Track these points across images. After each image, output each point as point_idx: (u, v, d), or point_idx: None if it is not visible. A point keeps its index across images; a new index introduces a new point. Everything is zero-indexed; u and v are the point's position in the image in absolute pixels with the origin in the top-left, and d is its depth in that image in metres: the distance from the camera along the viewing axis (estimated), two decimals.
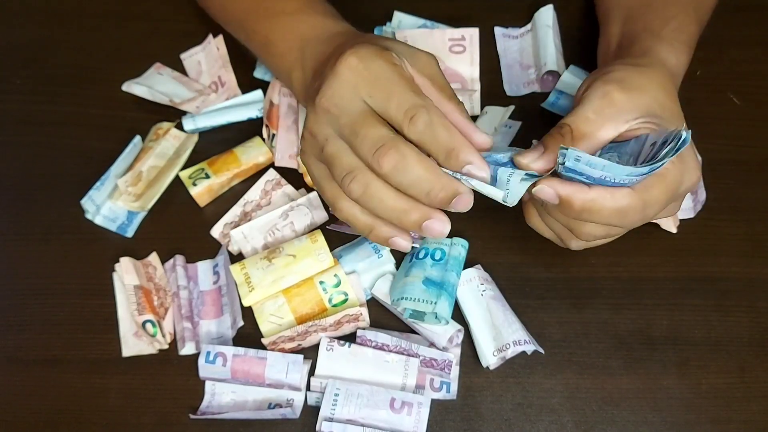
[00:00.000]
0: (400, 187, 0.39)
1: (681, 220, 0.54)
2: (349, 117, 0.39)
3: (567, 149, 0.38)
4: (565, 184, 0.40)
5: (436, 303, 0.47)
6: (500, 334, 0.48)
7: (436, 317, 0.48)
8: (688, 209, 0.53)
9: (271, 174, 0.55)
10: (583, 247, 0.47)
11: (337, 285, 0.50)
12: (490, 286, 0.51)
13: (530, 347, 0.48)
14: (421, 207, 0.40)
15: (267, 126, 0.56)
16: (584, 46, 0.60)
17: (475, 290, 0.50)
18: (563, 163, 0.39)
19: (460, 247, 0.51)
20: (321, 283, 0.50)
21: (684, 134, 0.38)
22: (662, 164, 0.38)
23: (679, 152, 0.38)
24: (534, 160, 0.41)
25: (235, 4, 0.54)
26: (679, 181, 0.42)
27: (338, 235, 0.53)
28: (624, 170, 0.38)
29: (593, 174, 0.39)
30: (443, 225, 0.40)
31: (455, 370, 0.49)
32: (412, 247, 0.46)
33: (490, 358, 0.48)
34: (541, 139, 0.43)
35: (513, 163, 0.41)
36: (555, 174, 0.41)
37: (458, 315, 0.50)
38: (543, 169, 0.41)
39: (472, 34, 0.57)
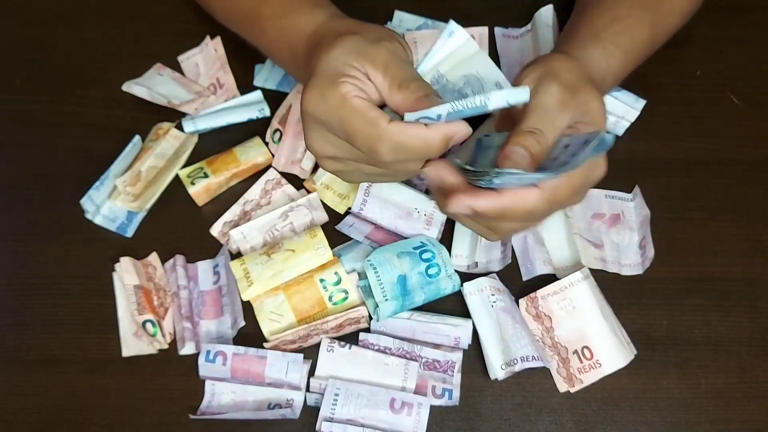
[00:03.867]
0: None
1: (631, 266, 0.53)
2: (339, 151, 0.43)
3: (504, 172, 0.39)
4: (477, 197, 0.41)
5: (388, 300, 0.48)
6: (509, 348, 0.48)
7: (376, 307, 0.48)
8: (636, 265, 0.52)
9: (272, 173, 0.55)
10: (501, 239, 0.48)
11: (338, 283, 0.50)
12: (501, 297, 0.50)
13: (538, 363, 0.47)
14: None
15: (278, 129, 0.56)
16: None
17: (486, 301, 0.50)
18: (491, 182, 0.40)
19: (451, 284, 0.50)
20: (321, 281, 0.50)
21: (607, 137, 0.39)
22: (581, 163, 0.39)
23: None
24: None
25: (236, 11, 0.54)
26: (585, 180, 0.43)
27: (338, 235, 0.53)
28: (544, 176, 0.39)
29: (520, 182, 0.40)
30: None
31: (457, 377, 0.49)
32: (421, 244, 0.49)
33: (498, 372, 0.48)
34: (512, 141, 0.42)
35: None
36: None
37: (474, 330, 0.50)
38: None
39: (480, 33, 0.57)
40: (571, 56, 0.46)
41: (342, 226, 0.53)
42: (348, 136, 0.41)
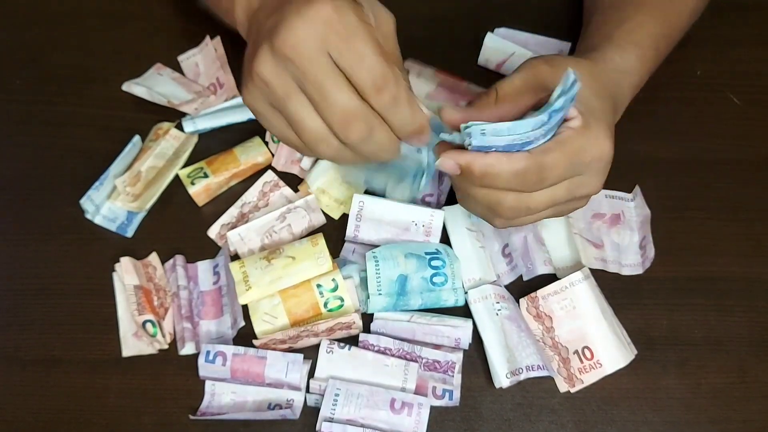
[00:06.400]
0: (361, 154, 0.40)
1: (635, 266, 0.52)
2: (315, 74, 0.36)
3: (470, 125, 0.38)
4: (464, 153, 0.40)
5: (381, 295, 0.48)
6: (513, 356, 0.47)
7: (368, 298, 0.48)
8: (636, 265, 0.52)
9: (269, 175, 0.55)
10: (507, 226, 0.45)
11: (334, 290, 0.50)
12: (506, 305, 0.49)
13: (544, 372, 0.47)
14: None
15: None
16: None
17: (491, 308, 0.49)
18: (470, 143, 0.39)
19: (454, 297, 0.49)
20: (318, 286, 0.50)
21: (572, 76, 0.37)
22: (557, 108, 0.38)
23: (573, 102, 0.39)
24: (457, 112, 0.41)
25: None
26: (580, 149, 0.40)
27: (338, 239, 0.53)
28: (527, 124, 0.38)
29: (500, 142, 0.39)
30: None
31: (457, 378, 0.49)
32: (435, 251, 0.49)
33: (503, 380, 0.47)
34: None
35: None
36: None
37: (474, 330, 0.50)
38: (462, 119, 0.40)
39: None
40: (588, 59, 0.46)
41: (345, 254, 0.53)
42: (358, 58, 0.36)
